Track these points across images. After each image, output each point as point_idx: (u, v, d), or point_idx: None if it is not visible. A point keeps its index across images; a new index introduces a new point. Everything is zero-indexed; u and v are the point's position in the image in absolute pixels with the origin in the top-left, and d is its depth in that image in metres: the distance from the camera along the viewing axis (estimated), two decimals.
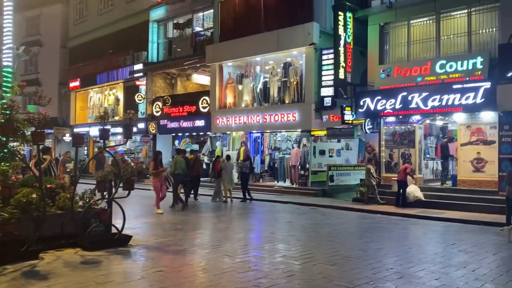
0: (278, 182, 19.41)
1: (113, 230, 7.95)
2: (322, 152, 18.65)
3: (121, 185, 8.00)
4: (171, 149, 24.66)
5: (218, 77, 21.31)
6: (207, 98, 21.76)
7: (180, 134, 23.87)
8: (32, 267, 6.16)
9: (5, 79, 9.07)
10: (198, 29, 23.08)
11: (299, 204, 14.92)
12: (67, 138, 30.43)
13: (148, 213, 12.12)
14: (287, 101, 18.77)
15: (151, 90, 24.76)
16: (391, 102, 14.48)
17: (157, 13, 24.41)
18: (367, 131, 15.45)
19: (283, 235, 9.16)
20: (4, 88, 9.02)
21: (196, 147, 24.74)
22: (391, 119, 15.06)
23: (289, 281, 5.65)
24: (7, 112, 6.50)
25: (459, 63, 13.61)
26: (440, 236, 9.84)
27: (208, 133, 22.24)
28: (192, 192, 15.51)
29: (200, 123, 22.06)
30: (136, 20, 25.53)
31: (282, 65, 19.34)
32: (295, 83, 18.50)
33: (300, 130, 18.60)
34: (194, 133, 23.17)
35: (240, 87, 20.87)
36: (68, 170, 15.72)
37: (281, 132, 20.28)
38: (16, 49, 9.59)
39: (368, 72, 16.04)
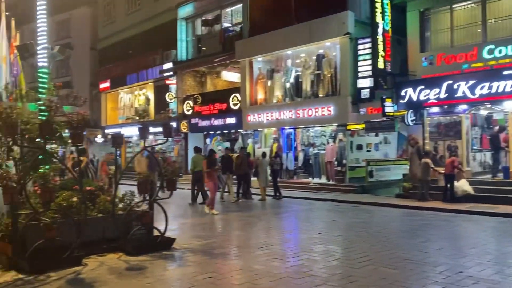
0: (313, 179, 18.86)
1: (155, 233, 7.63)
2: (359, 147, 17.97)
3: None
4: (203, 147, 24.43)
5: (248, 73, 20.87)
6: (237, 95, 21.37)
7: (211, 132, 23.58)
8: (76, 274, 5.87)
9: (40, 80, 8.88)
10: (226, 25, 22.70)
11: (338, 201, 14.33)
12: (99, 139, 30.67)
13: (185, 213, 11.82)
14: (321, 95, 18.16)
15: (181, 89, 24.56)
16: (435, 91, 13.69)
17: (185, 11, 24.17)
18: (410, 123, 14.70)
19: (331, 236, 8.63)
20: (40, 89, 8.83)
21: (227, 145, 24.45)
22: (435, 109, 14.26)
23: None
24: (45, 113, 6.23)
25: (510, 47, 12.71)
26: (500, 233, 9.10)
27: (240, 130, 21.86)
28: (241, 190, 15.26)
29: (231, 120, 21.70)
30: (164, 18, 25.37)
31: (314, 57, 18.72)
32: (329, 75, 17.86)
33: (335, 124, 17.95)
34: (225, 131, 22.82)
35: (270, 82, 20.38)
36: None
37: (315, 127, 19.68)
38: (51, 49, 9.39)
39: (408, 60, 15.26)
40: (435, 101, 13.73)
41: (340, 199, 14.72)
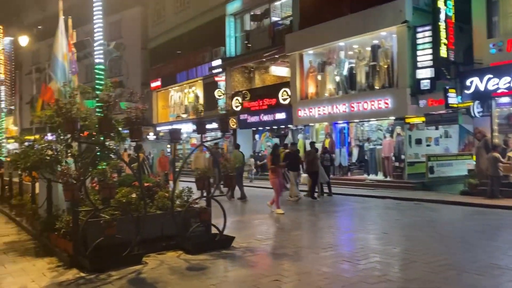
0: (369, 175, 18.07)
1: (213, 230, 7.37)
2: (419, 141, 16.97)
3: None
4: (251, 143, 24.24)
5: (298, 67, 20.36)
6: (287, 89, 20.91)
7: (260, 128, 23.30)
8: (137, 274, 5.68)
9: (97, 76, 8.90)
10: (275, 18, 22.29)
11: (398, 199, 13.55)
12: (151, 136, 31.24)
13: (238, 210, 11.54)
14: (377, 87, 17.34)
15: (230, 85, 24.44)
16: (505, 80, 12.61)
17: (233, 6, 23.99)
18: (476, 115, 13.65)
19: (398, 236, 8.03)
20: (97, 86, 8.84)
21: (276, 140, 24.07)
22: (505, 99, 13.15)
23: None
24: (104, 108, 6.09)
25: None
26: None
27: (289, 125, 21.40)
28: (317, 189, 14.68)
29: (281, 116, 21.28)
30: (212, 15, 25.34)
31: (368, 48, 17.92)
32: (385, 66, 17.00)
33: (393, 118, 17.07)
34: (274, 127, 22.45)
35: (322, 75, 19.75)
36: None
37: (370, 121, 18.87)
38: (107, 46, 9.39)
39: (473, 48, 14.17)
40: (506, 90, 12.65)
41: (400, 196, 13.93)
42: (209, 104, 26.40)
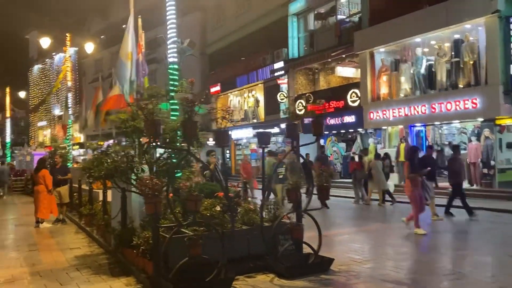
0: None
1: (303, 249, 6.39)
2: (510, 145, 15.12)
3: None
4: (316, 148, 23.07)
5: (369, 66, 19.01)
6: (356, 90, 19.61)
7: (326, 132, 22.08)
8: None
9: (171, 77, 8.25)
10: (342, 16, 21.08)
11: (496, 210, 11.90)
12: (211, 142, 30.88)
13: (326, 224, 10.45)
14: (461, 85, 15.65)
15: (293, 88, 23.46)
16: None
17: (296, 6, 23.04)
18: None
19: None
20: (171, 87, 8.17)
21: (342, 145, 22.80)
22: None
23: None
24: (188, 109, 5.31)
25: None
26: None
27: (359, 129, 20.05)
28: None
29: (349, 119, 19.99)
30: (274, 17, 24.54)
31: (448, 44, 16.29)
32: (471, 62, 15.29)
33: (481, 119, 15.30)
34: (342, 131, 21.17)
35: (396, 74, 18.27)
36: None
37: (451, 123, 17.16)
38: (180, 43, 8.73)
39: None
40: None
41: (496, 207, 12.25)
42: (270, 109, 25.64)
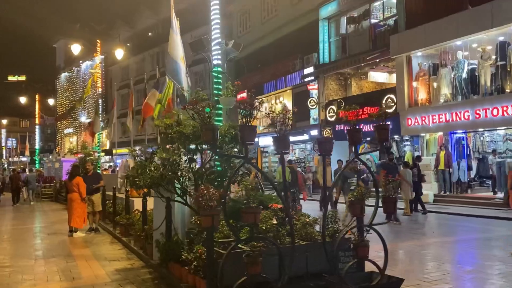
0: (496, 193, 15.45)
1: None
2: None
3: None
4: (348, 156, 22.36)
5: (406, 70, 18.29)
6: (392, 96, 18.89)
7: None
8: None
9: (216, 80, 7.83)
10: (376, 20, 20.44)
11: None
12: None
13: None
14: (508, 90, 14.82)
15: (324, 94, 22.87)
16: None
17: (328, 10, 22.51)
18: None
19: None
20: (215, 91, 7.75)
21: (376, 153, 22.01)
22: None
23: None
24: (246, 113, 4.83)
25: None
26: None
27: (395, 136, 19.28)
28: None
29: None
30: (303, 21, 24.05)
31: (493, 46, 15.49)
32: None
33: None
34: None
35: (435, 79, 17.50)
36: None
37: (496, 130, 16.29)
38: (225, 45, 8.32)
39: None
40: None
41: None
42: (299, 115, 25.05)
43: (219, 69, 7.87)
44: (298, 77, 24.24)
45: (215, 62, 7.91)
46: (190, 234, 6.22)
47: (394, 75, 20.63)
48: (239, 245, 5.12)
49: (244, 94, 30.16)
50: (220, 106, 7.82)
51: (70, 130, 55.05)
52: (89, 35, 44.58)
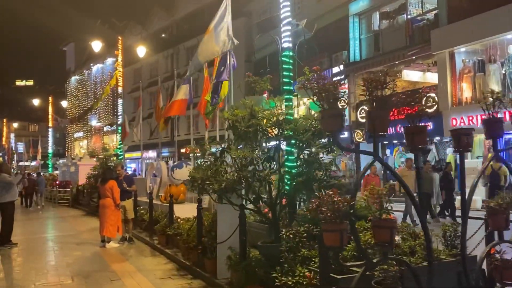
0: None
1: None
2: None
3: None
4: (384, 159, 21.17)
5: (449, 67, 17.10)
6: (433, 95, 17.69)
7: (395, 141, 20.18)
8: None
9: (284, 66, 6.72)
10: (413, 14, 19.30)
11: None
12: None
13: None
14: None
15: (354, 94, 21.70)
16: None
17: (359, 5, 21.38)
18: None
19: None
20: (284, 79, 6.63)
21: (410, 156, 20.79)
22: None
23: None
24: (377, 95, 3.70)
25: None
26: None
27: (436, 138, 18.08)
28: None
29: None
30: (331, 18, 22.90)
31: None
32: None
33: None
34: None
35: (481, 76, 16.30)
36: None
37: None
38: (296, 25, 7.21)
39: None
40: None
41: None
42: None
43: (289, 53, 6.77)
44: (330, 76, 23.08)
45: (284, 45, 6.80)
46: (267, 249, 5.08)
47: (429, 74, 19.47)
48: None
49: (264, 96, 29.09)
50: (288, 96, 6.72)
51: (80, 134, 54.17)
52: (108, 31, 43.49)
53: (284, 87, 6.49)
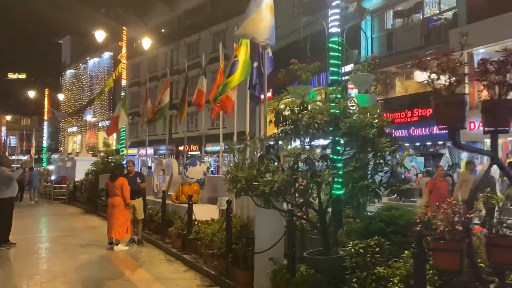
0: None
1: None
2: None
3: None
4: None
5: (467, 69, 16.48)
6: None
7: (406, 144, 19.49)
8: None
9: (332, 53, 6.01)
10: (429, 13, 18.70)
11: None
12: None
13: None
14: None
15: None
16: None
17: (372, 3, 20.71)
18: None
19: None
20: (332, 68, 5.92)
21: (421, 160, 20.22)
22: None
23: None
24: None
25: None
26: None
27: (449, 142, 17.46)
28: None
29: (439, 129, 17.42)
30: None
31: None
32: None
33: None
34: (428, 143, 18.61)
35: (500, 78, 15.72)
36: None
37: None
38: (345, 9, 6.51)
39: None
40: None
41: None
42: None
43: (337, 38, 6.06)
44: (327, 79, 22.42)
45: (332, 30, 6.09)
46: (321, 263, 4.36)
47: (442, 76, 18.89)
48: None
49: (269, 94, 28.38)
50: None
51: (74, 129, 53.04)
52: (108, 23, 42.35)
53: (332, 77, 5.73)
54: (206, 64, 28.91)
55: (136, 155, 40.45)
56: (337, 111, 4.75)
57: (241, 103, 15.25)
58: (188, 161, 10.74)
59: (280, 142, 4.96)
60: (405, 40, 19.45)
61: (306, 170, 4.32)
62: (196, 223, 7.99)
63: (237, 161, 4.95)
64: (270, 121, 5.24)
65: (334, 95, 5.30)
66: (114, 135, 45.67)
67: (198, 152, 33.38)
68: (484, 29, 15.66)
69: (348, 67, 21.04)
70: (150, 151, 38.74)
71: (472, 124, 16.11)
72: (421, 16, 18.68)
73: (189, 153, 33.66)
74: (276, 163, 4.64)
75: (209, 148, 32.33)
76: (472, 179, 10.07)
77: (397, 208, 5.21)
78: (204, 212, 8.75)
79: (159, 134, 37.09)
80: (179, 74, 37.10)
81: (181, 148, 35.94)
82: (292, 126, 4.74)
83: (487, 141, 16.06)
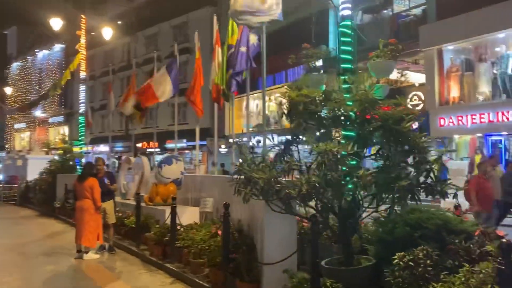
0: None
1: None
2: None
3: None
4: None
5: (436, 65, 16.61)
6: (419, 93, 17.19)
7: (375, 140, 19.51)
8: None
9: (343, 38, 5.47)
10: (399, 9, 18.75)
11: None
12: (223, 149, 27.91)
13: None
14: None
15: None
16: None
17: None
18: None
19: None
20: (343, 55, 5.39)
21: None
22: None
23: None
24: None
25: None
26: None
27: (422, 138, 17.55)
28: None
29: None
30: (308, 10, 21.94)
31: None
32: None
33: None
34: (399, 139, 18.62)
35: (469, 75, 15.93)
36: None
37: None
38: None
39: None
40: None
41: None
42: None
43: (349, 22, 5.55)
44: (301, 72, 22.07)
45: (344, 12, 5.57)
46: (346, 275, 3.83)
47: (410, 72, 19.01)
48: None
49: (233, 89, 27.68)
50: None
51: (23, 125, 49.88)
52: (65, 12, 39.90)
53: (343, 65, 5.21)
54: (166, 57, 27.77)
55: (90, 153, 38.49)
56: (380, 96, 4.22)
57: (206, 98, 14.39)
58: (162, 159, 9.91)
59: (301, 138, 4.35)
60: (373, 36, 19.34)
61: (338, 170, 3.75)
62: (179, 228, 7.24)
63: (248, 159, 4.28)
64: (283, 113, 4.58)
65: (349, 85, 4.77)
66: (65, 129, 43.14)
67: (158, 149, 32.11)
68: (453, 26, 15.76)
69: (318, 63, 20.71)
70: (106, 148, 36.96)
71: (442, 120, 16.25)
72: (391, 12, 18.67)
73: (147, 150, 32.39)
74: (296, 162, 4.04)
75: (170, 145, 31.17)
76: (495, 175, 9.64)
77: (420, 210, 4.76)
78: (186, 215, 8.02)
79: (115, 130, 35.44)
80: (138, 68, 35.60)
81: (139, 145, 34.54)
82: (312, 119, 4.14)
83: (456, 137, 16.29)
